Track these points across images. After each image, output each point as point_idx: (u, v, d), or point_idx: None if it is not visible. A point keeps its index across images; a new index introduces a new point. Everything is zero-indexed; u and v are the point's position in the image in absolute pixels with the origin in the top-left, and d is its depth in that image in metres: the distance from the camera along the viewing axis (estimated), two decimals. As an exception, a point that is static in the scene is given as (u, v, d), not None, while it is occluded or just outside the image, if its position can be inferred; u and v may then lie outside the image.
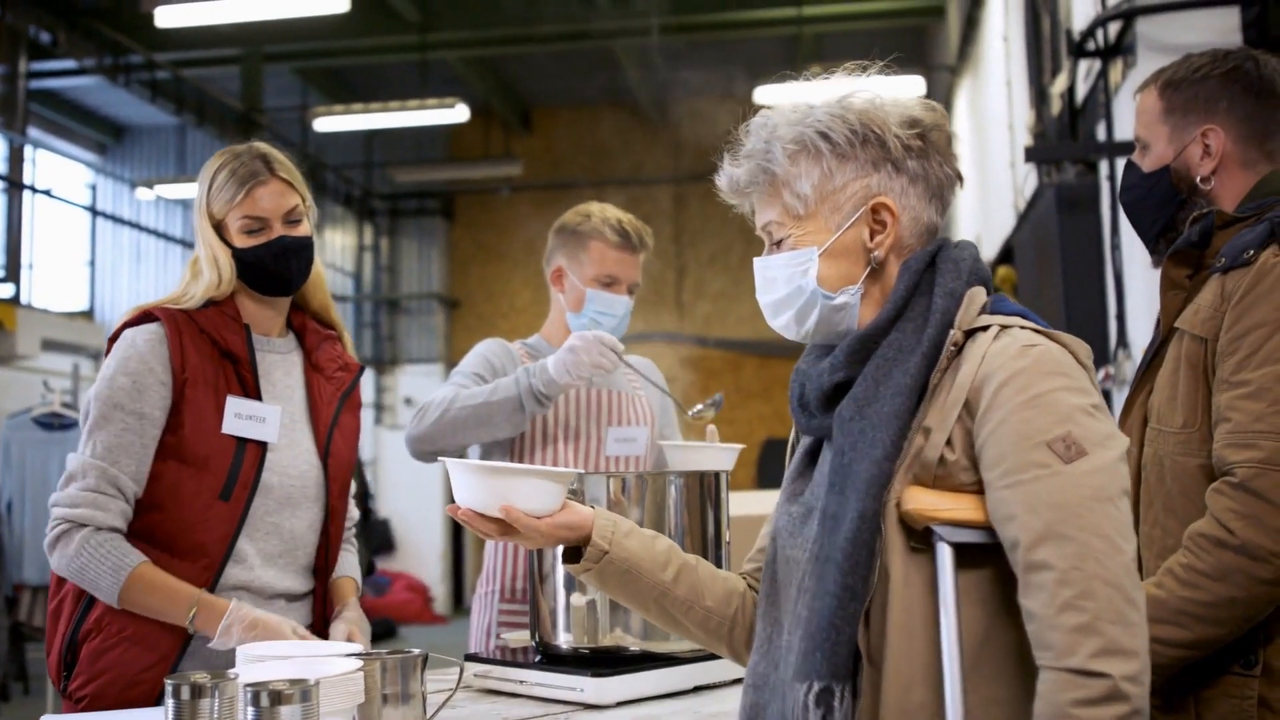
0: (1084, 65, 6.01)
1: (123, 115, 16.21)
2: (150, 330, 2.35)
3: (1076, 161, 6.23)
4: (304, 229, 2.46)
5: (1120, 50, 5.15)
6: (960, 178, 1.72)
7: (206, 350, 2.37)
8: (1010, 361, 1.53)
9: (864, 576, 1.53)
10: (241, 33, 12.21)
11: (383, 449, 16.31)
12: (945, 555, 1.53)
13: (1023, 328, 1.58)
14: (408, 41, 12.78)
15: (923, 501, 1.54)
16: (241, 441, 2.35)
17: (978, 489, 1.54)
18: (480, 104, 15.28)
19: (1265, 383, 1.88)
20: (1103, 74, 5.47)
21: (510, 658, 2.42)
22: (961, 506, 1.54)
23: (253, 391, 2.39)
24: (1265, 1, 4.49)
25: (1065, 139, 6.54)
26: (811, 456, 1.77)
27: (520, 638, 2.59)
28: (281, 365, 2.50)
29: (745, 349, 15.78)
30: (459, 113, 12.66)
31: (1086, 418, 1.50)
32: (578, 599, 2.31)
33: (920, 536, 1.55)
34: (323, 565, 2.48)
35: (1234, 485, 1.86)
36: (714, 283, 16.27)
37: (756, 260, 1.75)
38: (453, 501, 1.82)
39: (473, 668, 2.40)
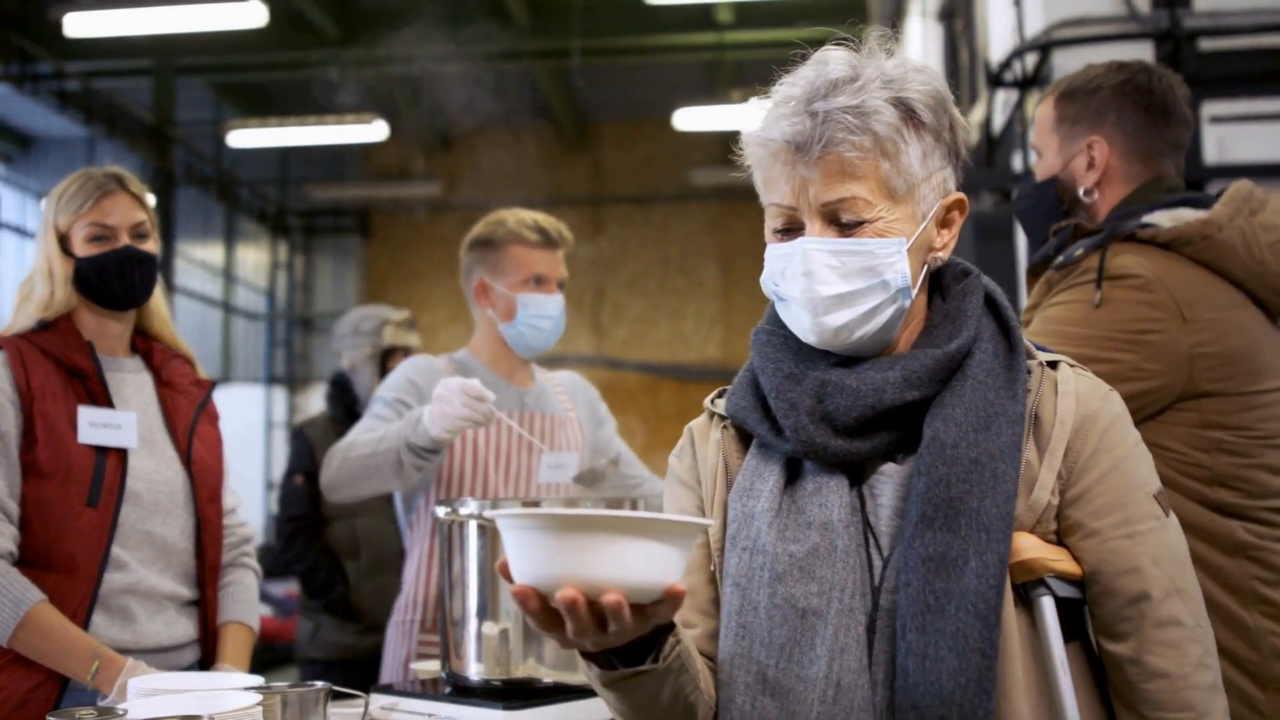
0: (1001, 96, 6.07)
1: (30, 125, 15.82)
2: None
3: (993, 191, 6.30)
4: (150, 246, 2.47)
5: (1037, 81, 5.21)
6: None
7: (51, 368, 2.36)
8: (1106, 405, 1.44)
9: (998, 632, 1.31)
10: (154, 44, 11.98)
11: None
12: (1050, 611, 1.40)
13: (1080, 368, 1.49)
14: (325, 57, 12.63)
15: (1037, 550, 1.39)
16: (101, 450, 2.33)
17: (1056, 537, 1.42)
18: (398, 122, 15.15)
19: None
20: (1019, 104, 5.53)
21: (419, 690, 2.34)
22: (1065, 557, 1.41)
23: (103, 403, 2.38)
24: (1178, 38, 4.58)
25: (982, 168, 6.60)
26: (789, 481, 1.45)
27: (430, 669, 2.51)
28: (132, 383, 2.48)
29: (662, 373, 15.77)
30: (377, 130, 12.54)
31: None
32: (490, 628, 2.23)
33: (1016, 589, 1.39)
34: (202, 573, 2.46)
35: None
36: (632, 306, 16.25)
37: (817, 241, 1.40)
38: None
39: (379, 700, 2.31)
